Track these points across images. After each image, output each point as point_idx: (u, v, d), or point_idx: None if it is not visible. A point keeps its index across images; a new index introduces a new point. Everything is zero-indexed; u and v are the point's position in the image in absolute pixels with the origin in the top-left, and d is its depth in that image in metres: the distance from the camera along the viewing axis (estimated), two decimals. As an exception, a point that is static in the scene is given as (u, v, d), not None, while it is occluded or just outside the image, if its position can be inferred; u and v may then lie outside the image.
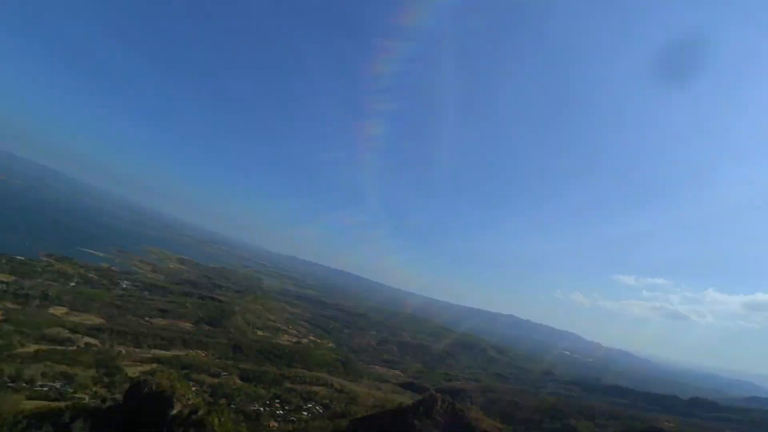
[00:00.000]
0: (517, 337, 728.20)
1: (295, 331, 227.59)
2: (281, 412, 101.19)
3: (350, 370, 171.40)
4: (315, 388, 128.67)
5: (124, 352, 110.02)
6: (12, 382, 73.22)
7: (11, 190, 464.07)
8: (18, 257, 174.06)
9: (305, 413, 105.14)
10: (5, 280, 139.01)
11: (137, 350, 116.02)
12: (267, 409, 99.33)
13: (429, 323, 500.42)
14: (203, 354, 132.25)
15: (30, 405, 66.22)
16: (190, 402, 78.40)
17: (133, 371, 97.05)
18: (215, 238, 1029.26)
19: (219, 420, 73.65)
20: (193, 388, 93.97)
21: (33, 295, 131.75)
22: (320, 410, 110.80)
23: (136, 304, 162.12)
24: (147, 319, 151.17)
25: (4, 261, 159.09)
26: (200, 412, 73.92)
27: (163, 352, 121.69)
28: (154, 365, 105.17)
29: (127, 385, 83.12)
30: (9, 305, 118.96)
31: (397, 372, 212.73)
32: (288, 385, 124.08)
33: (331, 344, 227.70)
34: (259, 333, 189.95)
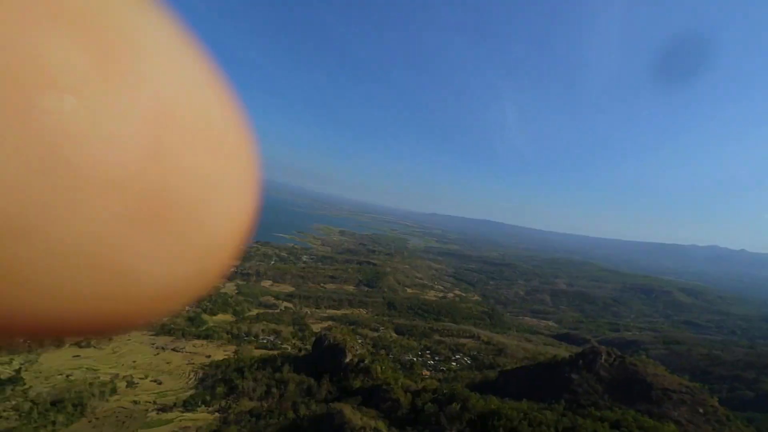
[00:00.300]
0: (720, 274, 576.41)
1: (440, 287, 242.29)
2: (432, 362, 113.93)
3: (497, 322, 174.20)
4: (462, 341, 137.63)
5: (309, 312, 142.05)
6: (246, 336, 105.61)
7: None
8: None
9: (454, 363, 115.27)
10: (235, 264, 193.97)
11: (317, 310, 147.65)
12: (419, 359, 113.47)
13: (590, 266, 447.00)
14: (364, 311, 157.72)
15: (257, 353, 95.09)
16: (358, 352, 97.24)
17: (317, 327, 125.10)
18: (366, 208, 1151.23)
19: (381, 368, 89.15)
20: (359, 341, 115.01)
21: (251, 273, 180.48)
22: (468, 361, 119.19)
23: (314, 274, 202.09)
24: (322, 285, 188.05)
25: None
26: (366, 361, 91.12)
27: (335, 311, 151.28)
28: (330, 322, 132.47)
29: (313, 339, 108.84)
30: (239, 281, 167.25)
31: (550, 323, 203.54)
32: (437, 337, 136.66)
33: (476, 297, 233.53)
34: (409, 291, 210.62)
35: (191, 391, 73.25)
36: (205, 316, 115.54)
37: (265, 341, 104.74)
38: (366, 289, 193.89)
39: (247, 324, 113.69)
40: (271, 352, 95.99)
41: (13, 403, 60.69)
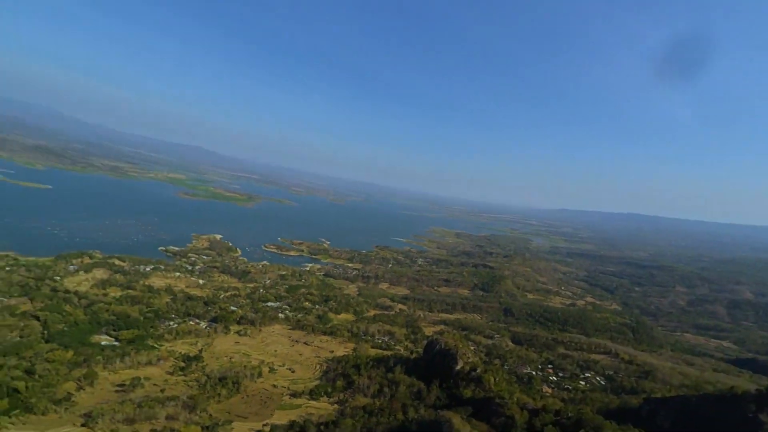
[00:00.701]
0: None
1: (568, 293, 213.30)
2: (555, 378, 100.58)
3: (643, 338, 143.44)
4: (595, 356, 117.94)
5: (422, 315, 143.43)
6: (364, 335, 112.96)
7: (355, 205, 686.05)
8: (362, 251, 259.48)
9: (583, 383, 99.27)
10: (357, 267, 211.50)
11: (430, 314, 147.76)
12: (539, 373, 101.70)
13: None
14: (478, 317, 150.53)
15: (372, 352, 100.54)
16: (470, 360, 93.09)
17: (429, 331, 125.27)
18: (484, 208, 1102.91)
19: (494, 379, 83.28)
20: (471, 348, 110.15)
21: (370, 276, 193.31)
22: (602, 382, 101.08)
23: (428, 277, 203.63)
24: (435, 288, 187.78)
25: (355, 255, 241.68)
26: (478, 370, 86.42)
27: (447, 315, 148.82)
28: (442, 326, 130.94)
29: (425, 342, 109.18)
30: (360, 284, 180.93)
31: (725, 343, 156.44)
32: (561, 350, 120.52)
33: (615, 306, 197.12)
34: (529, 296, 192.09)
35: (317, 381, 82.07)
36: (331, 315, 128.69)
37: (380, 341, 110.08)
38: (481, 293, 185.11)
39: (365, 324, 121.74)
40: (384, 352, 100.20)
41: (195, 376, 78.64)
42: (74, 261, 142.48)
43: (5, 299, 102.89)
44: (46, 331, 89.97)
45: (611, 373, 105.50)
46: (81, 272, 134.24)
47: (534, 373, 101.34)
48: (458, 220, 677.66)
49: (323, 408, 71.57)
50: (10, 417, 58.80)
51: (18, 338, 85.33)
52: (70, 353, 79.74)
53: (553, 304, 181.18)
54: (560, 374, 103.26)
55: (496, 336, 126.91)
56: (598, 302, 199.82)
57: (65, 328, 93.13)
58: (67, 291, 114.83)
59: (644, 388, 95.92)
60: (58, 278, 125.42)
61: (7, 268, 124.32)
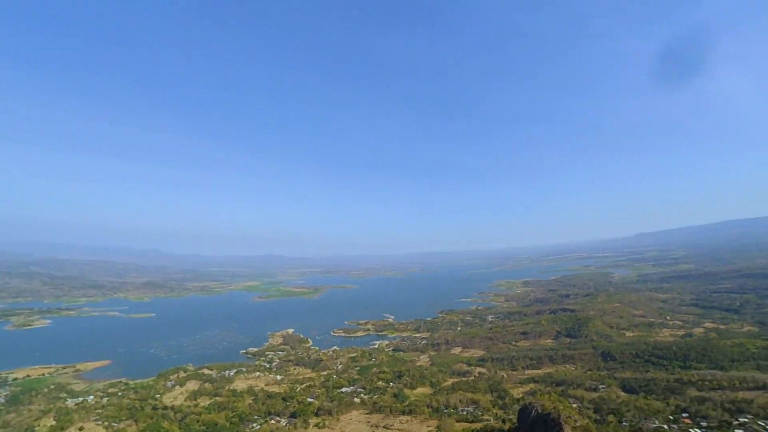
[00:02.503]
0: None
1: (677, 321, 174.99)
2: (698, 429, 76.37)
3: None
4: (744, 394, 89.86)
5: (505, 376, 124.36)
6: (445, 408, 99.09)
7: (415, 276, 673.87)
8: (426, 318, 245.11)
9: (740, 431, 73.81)
10: (425, 336, 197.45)
11: (514, 372, 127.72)
12: (672, 426, 78.30)
13: None
14: (572, 368, 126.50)
15: (459, 426, 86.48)
16: (578, 424, 75.56)
17: (517, 392, 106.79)
18: (549, 251, 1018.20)
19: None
20: (574, 405, 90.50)
21: (440, 343, 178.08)
22: (766, 426, 74.41)
23: (502, 332, 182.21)
24: (513, 343, 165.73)
25: (421, 324, 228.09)
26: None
27: (535, 371, 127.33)
28: (532, 385, 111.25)
29: (516, 407, 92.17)
30: (431, 352, 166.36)
31: None
32: (694, 392, 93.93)
33: (748, 327, 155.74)
34: (628, 334, 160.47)
35: (402, 471, 70.59)
36: (407, 391, 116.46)
37: (464, 413, 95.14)
38: (568, 340, 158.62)
39: (444, 395, 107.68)
40: (473, 426, 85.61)
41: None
42: (171, 377, 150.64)
43: (116, 424, 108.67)
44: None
45: (775, 412, 78.08)
46: (177, 386, 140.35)
47: (666, 426, 78.28)
48: (524, 269, 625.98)
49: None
50: None
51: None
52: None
53: (663, 338, 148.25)
54: (703, 424, 78.43)
55: (601, 386, 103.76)
56: (722, 326, 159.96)
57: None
58: (165, 407, 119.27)
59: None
60: (158, 396, 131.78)
61: (119, 394, 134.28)
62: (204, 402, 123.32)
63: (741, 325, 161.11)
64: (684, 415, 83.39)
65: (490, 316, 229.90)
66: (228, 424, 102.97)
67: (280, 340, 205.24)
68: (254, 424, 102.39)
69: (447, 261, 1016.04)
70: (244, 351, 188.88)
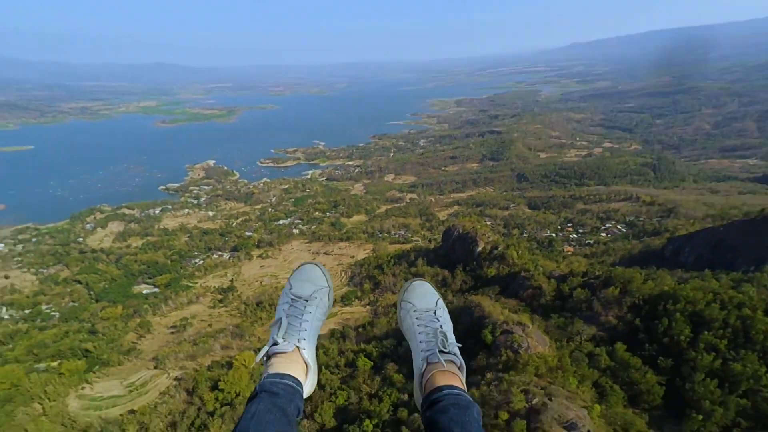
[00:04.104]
0: None
1: (583, 142, 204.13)
2: (575, 235, 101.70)
3: (665, 174, 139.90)
4: (614, 205, 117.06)
5: (433, 200, 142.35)
6: (380, 233, 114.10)
7: (342, 94, 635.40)
8: (359, 144, 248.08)
9: (604, 234, 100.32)
10: (358, 164, 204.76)
11: (441, 197, 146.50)
12: (559, 234, 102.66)
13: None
14: (491, 190, 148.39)
15: (392, 248, 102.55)
16: (490, 239, 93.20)
17: (443, 215, 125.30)
18: (483, 64, 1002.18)
19: (517, 253, 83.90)
20: (488, 224, 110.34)
21: (373, 171, 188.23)
22: (623, 229, 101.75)
23: (433, 158, 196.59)
24: (443, 168, 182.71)
25: (353, 150, 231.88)
26: (500, 248, 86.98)
27: (459, 194, 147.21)
28: (456, 207, 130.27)
29: (441, 228, 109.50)
30: (365, 180, 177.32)
31: (752, 161, 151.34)
32: (581, 206, 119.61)
33: (635, 146, 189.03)
34: (542, 156, 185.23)
35: (345, 288, 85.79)
36: (344, 220, 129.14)
37: (396, 236, 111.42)
38: (491, 163, 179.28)
39: (378, 221, 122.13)
40: (404, 246, 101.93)
41: (234, 305, 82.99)
42: (88, 219, 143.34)
43: (45, 270, 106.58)
44: (91, 292, 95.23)
45: (633, 218, 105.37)
46: (98, 229, 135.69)
47: (554, 235, 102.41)
48: (458, 85, 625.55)
49: (357, 312, 75.96)
50: (94, 373, 64.83)
51: (72, 303, 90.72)
52: (120, 308, 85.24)
53: (569, 159, 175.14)
54: (581, 231, 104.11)
55: (512, 205, 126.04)
56: (616, 146, 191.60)
57: (106, 286, 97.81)
58: (93, 250, 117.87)
59: (667, 227, 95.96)
60: (81, 239, 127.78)
61: (33, 240, 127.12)
62: (136, 243, 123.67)
63: (630, 144, 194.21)
64: (569, 225, 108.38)
65: (422, 141, 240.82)
66: (169, 262, 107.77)
67: (202, 174, 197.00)
68: (196, 260, 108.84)
69: (377, 74, 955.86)
70: (163, 187, 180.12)
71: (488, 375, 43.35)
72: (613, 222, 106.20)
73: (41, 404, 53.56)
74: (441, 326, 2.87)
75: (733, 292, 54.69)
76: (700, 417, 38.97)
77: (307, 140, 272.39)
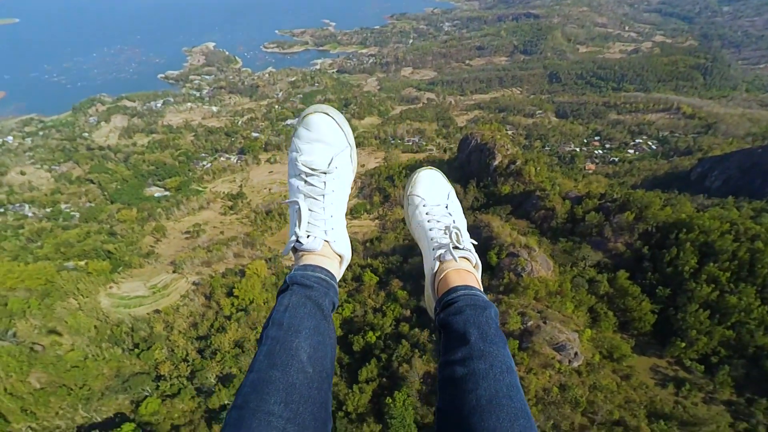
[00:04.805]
0: None
1: (632, 33, 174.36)
2: (600, 151, 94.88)
3: (716, 81, 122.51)
4: (650, 116, 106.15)
5: (453, 102, 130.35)
6: (392, 140, 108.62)
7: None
8: (374, 27, 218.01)
9: (631, 152, 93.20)
10: (372, 53, 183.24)
11: (462, 98, 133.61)
12: (583, 149, 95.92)
13: None
14: (518, 91, 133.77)
15: (404, 158, 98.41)
16: (509, 152, 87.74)
17: (462, 120, 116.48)
18: None
19: (535, 169, 79.77)
20: (509, 133, 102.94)
21: (390, 62, 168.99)
22: (653, 146, 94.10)
23: (457, 47, 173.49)
24: (467, 62, 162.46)
25: (368, 35, 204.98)
26: (518, 162, 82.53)
27: (482, 96, 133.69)
28: (477, 112, 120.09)
29: (458, 136, 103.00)
30: (379, 74, 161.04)
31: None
32: (613, 116, 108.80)
33: (690, 42, 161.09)
34: (582, 50, 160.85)
35: (354, 200, 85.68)
36: (355, 122, 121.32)
37: (410, 143, 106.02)
38: (522, 57, 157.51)
39: (392, 125, 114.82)
40: (417, 156, 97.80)
41: (245, 212, 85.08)
42: (89, 111, 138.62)
43: (57, 167, 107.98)
44: (105, 193, 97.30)
45: (667, 134, 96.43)
46: (102, 123, 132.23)
47: (578, 149, 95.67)
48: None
49: (365, 225, 77.31)
50: (119, 273, 70.83)
51: (89, 203, 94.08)
52: (135, 210, 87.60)
53: (611, 55, 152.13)
54: (608, 146, 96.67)
55: (538, 112, 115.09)
56: (669, 40, 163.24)
57: (119, 187, 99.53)
58: (101, 147, 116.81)
59: (701, 145, 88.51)
60: (86, 134, 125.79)
61: (40, 133, 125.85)
62: (141, 140, 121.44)
63: (686, 38, 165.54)
64: (596, 138, 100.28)
65: (446, 25, 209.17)
66: (177, 164, 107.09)
67: (202, 59, 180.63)
68: (203, 162, 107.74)
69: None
70: (162, 75, 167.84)
71: (488, 296, 45.57)
72: (645, 137, 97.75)
73: (76, 300, 59.06)
74: (454, 221, 2.46)
75: (751, 222, 52.35)
76: (683, 344, 41.65)
77: (316, 19, 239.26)
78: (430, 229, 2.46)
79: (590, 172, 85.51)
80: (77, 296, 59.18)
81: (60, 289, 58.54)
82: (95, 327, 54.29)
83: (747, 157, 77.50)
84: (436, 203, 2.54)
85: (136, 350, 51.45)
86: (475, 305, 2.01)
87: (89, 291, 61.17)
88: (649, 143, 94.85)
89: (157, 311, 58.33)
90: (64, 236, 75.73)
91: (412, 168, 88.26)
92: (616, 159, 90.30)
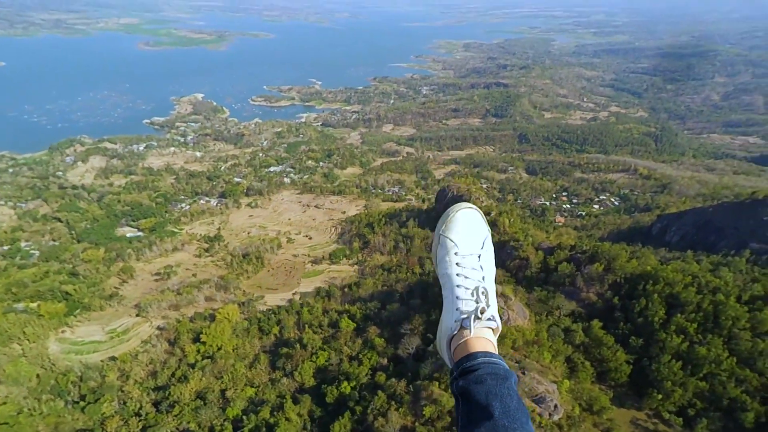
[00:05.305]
0: None
1: (590, 104, 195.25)
2: (568, 205, 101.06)
3: (666, 147, 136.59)
4: (612, 176, 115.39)
5: (431, 156, 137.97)
6: (373, 189, 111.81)
7: (343, 25, 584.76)
8: (358, 87, 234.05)
9: (597, 207, 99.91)
10: (355, 110, 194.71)
11: (439, 153, 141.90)
12: (553, 203, 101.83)
13: None
14: (491, 149, 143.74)
15: (384, 206, 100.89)
16: (483, 204, 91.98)
17: (439, 173, 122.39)
18: (499, 2, 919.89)
19: (509, 221, 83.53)
20: (484, 186, 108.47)
21: (371, 118, 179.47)
22: (615, 202, 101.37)
23: (435, 109, 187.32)
24: (444, 122, 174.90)
25: (352, 94, 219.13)
26: (493, 214, 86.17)
27: (458, 152, 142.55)
28: (453, 166, 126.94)
29: (436, 187, 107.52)
30: (362, 129, 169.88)
31: (751, 139, 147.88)
32: (578, 174, 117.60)
33: (641, 113, 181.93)
34: (547, 116, 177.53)
35: (334, 245, 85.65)
36: (337, 171, 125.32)
37: (390, 192, 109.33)
38: (494, 120, 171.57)
39: (373, 175, 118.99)
40: (396, 205, 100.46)
41: (221, 255, 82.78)
42: (67, 151, 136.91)
43: (23, 205, 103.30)
44: (72, 232, 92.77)
45: (627, 191, 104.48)
46: (79, 163, 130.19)
47: (548, 203, 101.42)
48: (468, 26, 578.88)
49: (344, 271, 76.51)
50: (75, 317, 65.29)
51: (52, 242, 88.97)
52: (102, 250, 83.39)
53: (573, 121, 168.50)
54: (575, 201, 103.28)
55: (510, 168, 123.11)
56: (623, 111, 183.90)
57: (88, 226, 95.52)
58: (74, 186, 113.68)
59: (659, 203, 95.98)
60: (60, 173, 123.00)
61: (10, 170, 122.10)
62: (119, 181, 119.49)
63: (637, 110, 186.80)
64: (564, 194, 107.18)
65: (424, 88, 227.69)
66: (154, 205, 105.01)
67: (190, 108, 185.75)
68: (182, 204, 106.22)
69: (381, 4, 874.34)
70: (148, 121, 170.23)
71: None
72: (608, 194, 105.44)
73: (20, 345, 53.77)
74: (483, 277, 2.48)
75: (711, 276, 56.21)
76: (660, 396, 41.67)
77: (303, 78, 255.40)
78: (458, 286, 2.44)
79: (560, 224, 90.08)
80: (22, 341, 53.66)
81: (3, 333, 53.05)
82: (38, 376, 48.84)
83: (700, 215, 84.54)
84: (469, 252, 2.55)
85: (82, 403, 46.17)
86: (496, 374, 1.99)
87: (37, 335, 55.81)
88: (612, 200, 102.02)
89: (113, 358, 53.44)
90: (18, 275, 70.49)
91: (392, 216, 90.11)
92: (583, 213, 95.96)
